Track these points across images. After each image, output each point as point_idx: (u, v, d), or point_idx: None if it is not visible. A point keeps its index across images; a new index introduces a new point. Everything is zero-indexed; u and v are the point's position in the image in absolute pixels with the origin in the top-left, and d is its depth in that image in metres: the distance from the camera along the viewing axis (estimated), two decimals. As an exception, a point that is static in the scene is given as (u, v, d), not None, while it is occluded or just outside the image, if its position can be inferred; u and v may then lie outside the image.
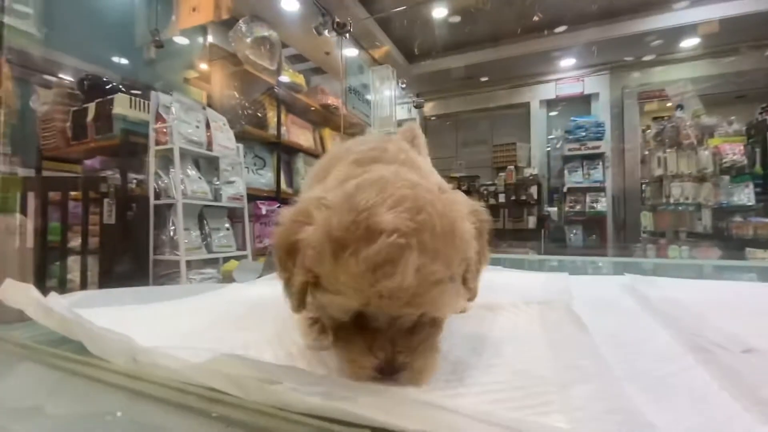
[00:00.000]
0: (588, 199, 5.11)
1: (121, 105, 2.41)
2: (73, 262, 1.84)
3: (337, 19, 3.53)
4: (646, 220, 3.70)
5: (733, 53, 4.34)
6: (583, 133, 5.23)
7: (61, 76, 3.12)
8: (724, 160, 3.14)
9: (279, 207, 3.08)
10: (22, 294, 0.36)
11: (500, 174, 4.88)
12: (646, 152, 3.76)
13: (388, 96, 4.13)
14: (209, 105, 3.14)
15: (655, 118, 3.61)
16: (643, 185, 3.95)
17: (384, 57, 4.71)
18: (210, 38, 3.65)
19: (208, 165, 2.76)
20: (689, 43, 4.50)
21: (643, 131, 3.86)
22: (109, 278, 1.83)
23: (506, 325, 0.40)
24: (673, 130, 3.31)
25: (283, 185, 3.67)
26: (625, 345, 0.35)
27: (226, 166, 2.86)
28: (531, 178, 4.73)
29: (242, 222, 2.82)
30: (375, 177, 0.29)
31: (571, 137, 5.21)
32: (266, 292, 0.33)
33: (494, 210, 4.65)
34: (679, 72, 4.65)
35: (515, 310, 0.44)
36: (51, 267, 1.77)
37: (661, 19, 4.20)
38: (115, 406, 0.27)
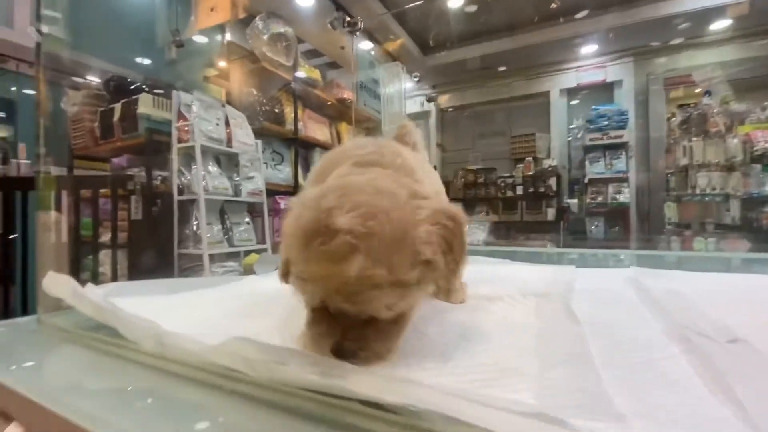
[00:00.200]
0: (610, 190, 4.98)
1: (145, 105, 2.49)
2: (104, 256, 1.94)
3: (347, 18, 3.53)
4: (671, 211, 3.59)
5: (765, 36, 4.11)
6: (605, 122, 5.08)
7: (88, 77, 3.25)
8: (755, 148, 3.01)
9: (297, 202, 3.12)
10: (62, 285, 0.40)
11: (518, 166, 4.81)
12: (671, 141, 3.63)
13: (397, 92, 4.15)
14: (228, 102, 3.20)
15: (680, 106, 3.47)
16: (668, 175, 3.82)
17: (398, 50, 4.69)
18: (228, 36, 3.71)
19: (228, 161, 2.82)
20: (719, 25, 4.29)
21: (668, 119, 3.72)
22: (137, 271, 1.92)
23: (501, 315, 0.43)
24: (699, 118, 3.19)
25: (301, 180, 3.74)
26: (614, 335, 0.37)
27: (246, 162, 2.91)
28: (550, 169, 4.64)
29: (261, 216, 2.89)
30: (344, 182, 0.32)
31: (592, 126, 5.07)
32: (281, 283, 0.36)
33: (512, 202, 4.59)
34: (707, 56, 4.45)
35: (512, 302, 0.46)
36: (84, 260, 1.87)
37: (689, 1, 4.02)
38: (144, 382, 0.31)
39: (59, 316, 0.43)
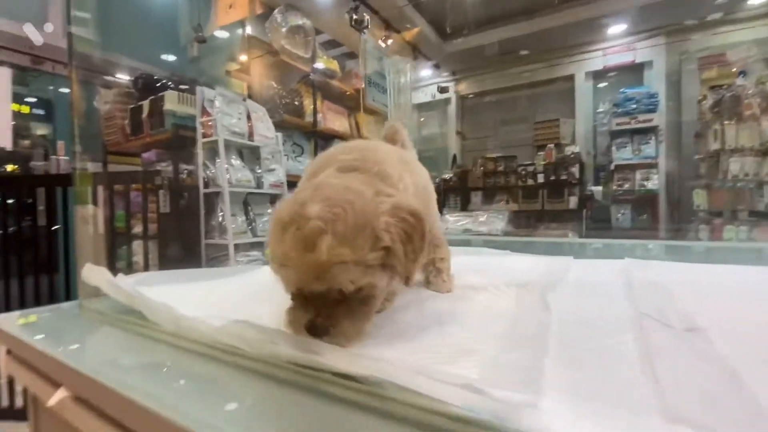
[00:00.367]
0: (638, 176, 4.80)
1: (170, 101, 2.59)
2: (137, 246, 2.07)
3: (355, 16, 3.53)
4: (699, 198, 3.44)
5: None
6: (634, 106, 4.88)
7: (118, 76, 3.40)
8: (793, 131, 2.84)
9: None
10: (98, 275, 0.47)
11: (539, 153, 4.70)
12: (702, 125, 3.46)
13: (404, 85, 4.19)
14: (250, 96, 3.28)
15: (712, 87, 3.29)
16: (698, 161, 3.65)
17: (416, 38, 4.63)
18: (249, 30, 3.78)
19: (250, 154, 2.90)
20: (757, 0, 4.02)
21: (699, 102, 3.54)
22: (167, 260, 2.04)
23: (483, 304, 0.46)
24: (732, 100, 3.02)
25: (320, 171, 3.78)
26: (579, 322, 0.40)
27: (267, 154, 2.98)
28: (572, 156, 4.51)
29: (283, 207, 2.96)
30: (319, 182, 0.37)
31: (619, 110, 4.88)
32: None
33: (532, 191, 4.49)
34: (742, 34, 4.18)
35: (496, 291, 0.50)
36: (119, 250, 2.00)
37: (726, -26, 3.78)
38: (165, 357, 0.37)
39: (98, 302, 0.50)
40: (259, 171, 2.82)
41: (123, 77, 3.37)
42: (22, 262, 1.82)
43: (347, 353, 0.29)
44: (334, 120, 4.35)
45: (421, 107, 6.39)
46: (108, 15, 2.94)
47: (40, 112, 4.22)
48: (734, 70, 3.44)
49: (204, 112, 2.61)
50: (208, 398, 0.30)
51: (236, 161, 2.73)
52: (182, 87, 2.82)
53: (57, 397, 0.34)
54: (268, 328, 0.33)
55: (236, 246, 2.43)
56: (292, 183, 3.18)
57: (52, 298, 1.89)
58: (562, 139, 5.07)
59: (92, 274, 0.47)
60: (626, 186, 4.74)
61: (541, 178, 4.41)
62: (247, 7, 2.55)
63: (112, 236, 1.93)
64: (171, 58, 3.66)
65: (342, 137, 4.42)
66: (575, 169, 4.33)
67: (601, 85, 5.54)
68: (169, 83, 2.90)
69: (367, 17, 3.68)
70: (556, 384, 0.26)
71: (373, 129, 5.33)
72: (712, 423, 0.21)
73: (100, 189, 2.01)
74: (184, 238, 2.30)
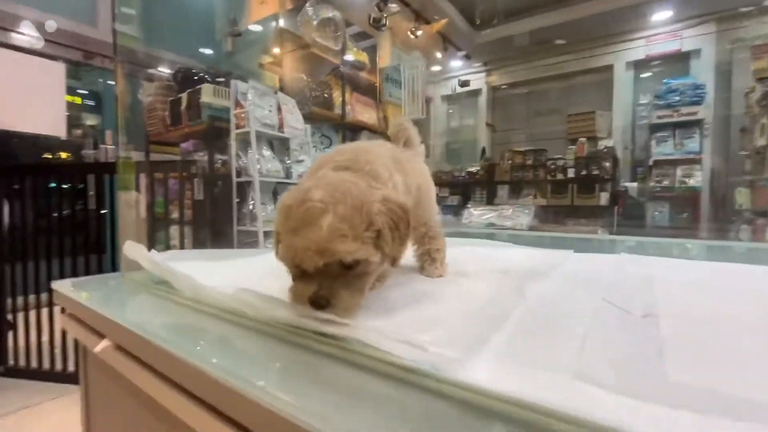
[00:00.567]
0: (679, 172, 4.56)
1: (207, 94, 2.73)
2: (174, 231, 2.23)
3: (374, 15, 3.55)
4: (742, 197, 3.24)
5: None
6: (677, 98, 4.61)
7: (160, 69, 3.60)
8: None
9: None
10: (136, 251, 0.56)
11: (570, 147, 4.55)
12: (749, 119, 3.25)
13: (417, 82, 4.31)
14: (281, 88, 3.38)
15: (760, 79, 3.06)
16: (744, 157, 3.43)
17: (445, 28, 4.58)
18: (282, 22, 3.88)
19: (280, 145, 3.01)
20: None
21: (746, 94, 3.31)
22: (201, 245, 2.19)
23: (464, 286, 0.50)
24: (785, 92, 2.82)
25: (347, 163, 3.85)
26: (546, 305, 0.43)
27: (296, 146, 3.08)
28: (605, 150, 4.35)
29: (310, 197, 3.07)
30: (319, 176, 0.43)
31: (661, 102, 4.63)
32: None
33: (562, 185, 4.37)
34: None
35: (481, 277, 0.54)
36: (158, 234, 2.16)
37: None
38: (188, 319, 0.45)
39: (136, 273, 0.58)
40: (288, 162, 2.92)
41: (164, 71, 3.56)
42: (75, 243, 2.01)
43: (334, 321, 0.35)
44: (363, 112, 4.40)
45: (451, 99, 6.32)
46: (151, 12, 3.12)
47: (91, 103, 4.53)
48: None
49: (237, 104, 2.73)
50: (220, 350, 0.37)
51: (267, 152, 2.84)
52: (218, 80, 2.96)
53: (101, 345, 0.42)
54: (267, 296, 0.40)
55: (266, 233, 2.55)
56: (319, 173, 3.29)
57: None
58: (598, 133, 4.88)
59: (131, 249, 0.56)
60: (665, 182, 4.52)
61: (571, 173, 4.28)
62: (278, 1, 2.64)
63: (153, 221, 2.09)
64: (208, 51, 3.84)
65: (370, 129, 4.47)
66: (608, 164, 4.18)
67: (643, 75, 5.27)
68: (206, 76, 3.05)
69: (385, 16, 3.70)
70: (496, 348, 0.31)
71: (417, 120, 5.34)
72: (618, 385, 0.25)
73: (143, 177, 2.18)
74: (217, 224, 2.45)
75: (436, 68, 5.88)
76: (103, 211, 2.38)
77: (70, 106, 4.13)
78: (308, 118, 3.38)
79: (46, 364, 1.90)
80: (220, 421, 0.30)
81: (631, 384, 0.25)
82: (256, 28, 3.72)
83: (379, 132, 4.55)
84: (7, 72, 2.08)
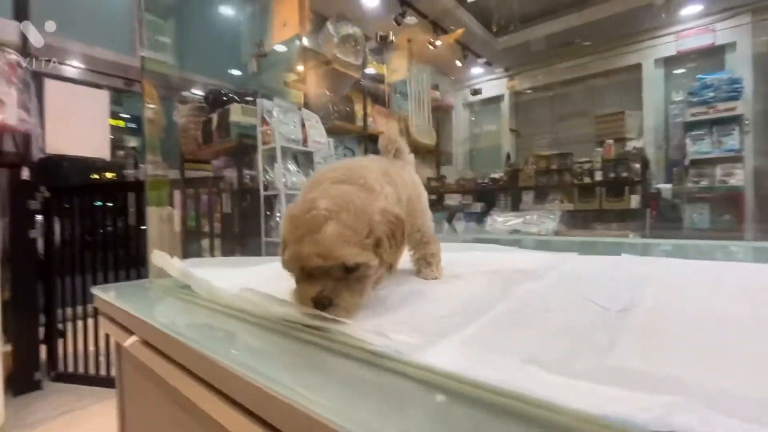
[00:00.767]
0: (719, 171, 4.32)
1: (235, 113, 2.89)
2: (206, 243, 2.36)
3: (381, 33, 3.66)
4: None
5: None
6: (712, 94, 4.40)
7: (193, 91, 3.83)
8: None
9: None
10: (163, 259, 0.63)
11: (596, 149, 4.43)
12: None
13: (423, 96, 4.47)
14: (306, 105, 3.51)
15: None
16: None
17: (463, 37, 4.61)
18: (305, 41, 4.04)
19: (304, 159, 3.12)
20: None
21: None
22: (230, 256, 2.30)
23: (454, 286, 0.53)
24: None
25: (369, 173, 3.93)
26: (527, 303, 0.45)
27: (319, 159, 3.18)
28: (634, 152, 4.20)
29: (333, 209, 3.16)
30: (323, 188, 0.47)
31: (695, 99, 4.43)
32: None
33: (589, 189, 4.24)
34: None
35: (472, 278, 0.56)
36: (191, 246, 2.29)
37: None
38: (204, 317, 0.50)
39: (162, 279, 0.65)
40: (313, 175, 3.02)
41: (197, 93, 3.78)
42: (117, 257, 2.17)
43: (315, 313, 0.39)
44: (384, 123, 4.48)
45: (473, 105, 6.32)
46: (184, 39, 3.34)
47: (133, 126, 4.87)
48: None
49: (264, 121, 2.87)
50: (230, 343, 0.42)
51: (292, 166, 2.96)
52: (246, 99, 3.11)
53: (130, 340, 0.49)
54: (265, 294, 0.45)
55: (291, 244, 2.63)
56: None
57: (140, 286, 2.22)
58: (628, 133, 4.72)
59: (159, 258, 0.63)
60: (704, 182, 4.30)
61: (598, 176, 4.15)
62: (299, 24, 2.77)
63: (186, 234, 2.22)
64: (236, 73, 4.05)
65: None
66: (637, 166, 4.03)
67: (675, 72, 5.08)
68: (235, 96, 3.22)
69: (392, 35, 3.82)
70: (465, 338, 0.34)
71: (424, 130, 5.39)
72: (558, 366, 0.28)
73: (176, 193, 2.33)
74: (246, 236, 2.57)
75: (453, 77, 5.90)
76: (143, 227, 2.55)
77: (114, 129, 4.46)
78: (331, 131, 3.48)
79: (92, 370, 2.05)
80: (229, 406, 0.34)
81: (570, 365, 0.28)
82: (281, 48, 3.90)
83: (400, 142, 4.60)
84: (59, 101, 2.29)
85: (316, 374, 0.32)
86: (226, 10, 4.12)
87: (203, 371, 0.38)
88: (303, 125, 3.09)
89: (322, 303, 0.41)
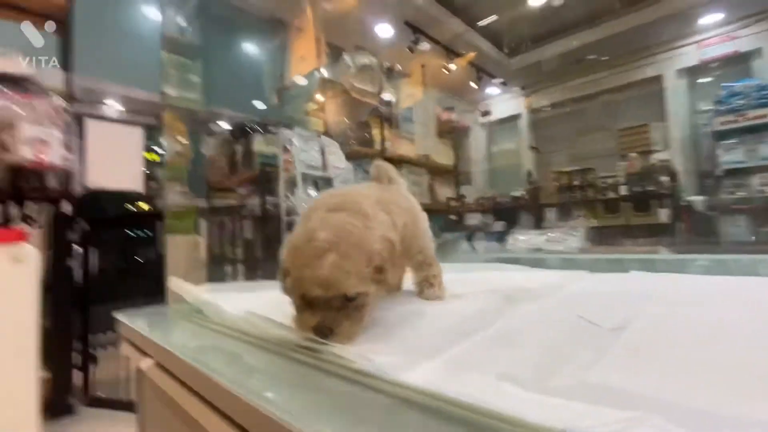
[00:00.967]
0: (756, 181, 4.12)
1: (259, 143, 3.02)
2: (230, 269, 2.43)
3: (387, 64, 3.81)
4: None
5: None
6: (741, 101, 4.25)
7: (219, 124, 4.03)
8: None
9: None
10: (178, 285, 0.67)
11: (619, 163, 4.32)
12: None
13: (429, 122, 4.61)
14: (326, 132, 3.63)
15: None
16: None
17: (476, 60, 4.69)
18: (324, 72, 4.21)
19: (324, 184, 3.20)
20: None
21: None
22: (253, 281, 2.37)
23: (451, 306, 0.54)
24: None
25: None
26: (526, 320, 0.46)
27: (339, 184, 3.26)
28: (660, 164, 4.07)
29: (353, 232, 3.21)
30: (322, 217, 0.49)
31: (723, 108, 4.29)
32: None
33: (614, 204, 4.12)
34: None
35: (472, 297, 0.57)
36: (216, 271, 2.37)
37: None
38: (214, 341, 0.53)
39: (179, 304, 0.69)
40: (331, 199, 3.09)
41: (224, 125, 3.98)
42: (147, 284, 2.27)
43: (309, 337, 0.42)
44: (402, 146, 4.55)
45: (492, 125, 6.34)
46: (210, 76, 3.55)
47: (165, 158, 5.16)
48: None
49: (285, 150, 2.98)
50: (236, 365, 0.45)
51: (312, 192, 3.04)
52: (269, 130, 3.25)
53: (146, 363, 0.52)
54: (267, 318, 0.47)
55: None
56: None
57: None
58: (653, 146, 4.60)
59: (176, 284, 0.67)
60: (740, 193, 4.10)
61: (623, 190, 4.03)
62: (315, 57, 2.91)
63: (211, 260, 2.30)
64: (260, 105, 4.26)
65: (410, 162, 4.59)
66: (664, 179, 3.89)
67: (699, 81, 4.95)
68: (258, 128, 3.37)
69: (398, 66, 3.97)
70: (448, 357, 0.35)
71: (441, 151, 5.43)
72: (534, 383, 0.28)
73: (202, 221, 2.44)
74: (268, 260, 2.64)
75: (469, 98, 5.96)
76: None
77: (147, 162, 4.74)
78: (350, 156, 3.56)
79: (123, 395, 2.11)
80: (228, 424, 0.36)
81: (546, 382, 0.28)
82: (301, 80, 4.08)
83: (419, 164, 4.66)
84: (97, 139, 2.47)
85: (305, 391, 0.34)
86: (249, 48, 4.38)
87: (208, 392, 0.40)
88: (323, 152, 3.18)
89: (323, 332, 0.43)
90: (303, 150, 3.01)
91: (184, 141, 3.07)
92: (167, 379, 0.48)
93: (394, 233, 0.51)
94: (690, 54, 4.84)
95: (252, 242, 2.54)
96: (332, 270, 0.42)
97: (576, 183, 4.35)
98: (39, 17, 2.24)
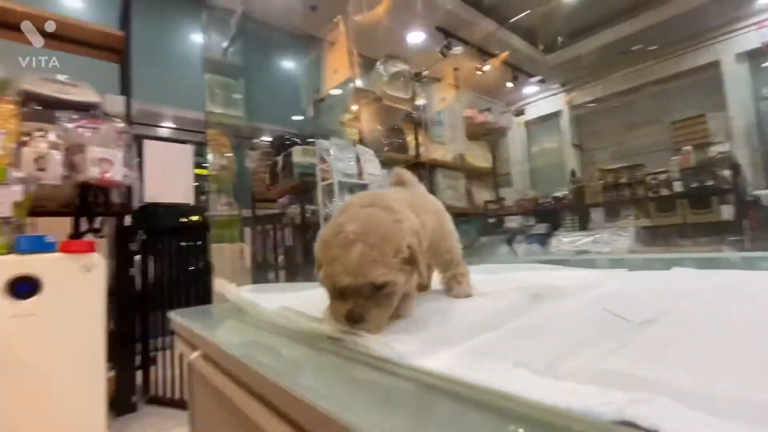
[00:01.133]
0: (837, 170, 3.71)
1: (297, 155, 3.14)
2: (272, 275, 2.54)
3: (414, 71, 3.82)
4: None
5: None
6: (812, 84, 3.87)
7: (261, 138, 4.24)
8: None
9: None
10: (222, 285, 0.72)
11: (672, 158, 4.02)
12: None
13: (457, 125, 4.63)
14: (361, 140, 3.71)
15: None
16: None
17: (511, 58, 4.60)
18: (358, 83, 4.32)
19: (360, 191, 3.26)
20: None
21: None
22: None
23: (477, 303, 0.54)
24: None
25: (424, 201, 3.99)
26: (552, 315, 0.45)
27: (375, 190, 3.31)
28: (720, 157, 3.75)
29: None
30: (350, 213, 0.51)
31: (790, 93, 3.92)
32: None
33: (668, 202, 3.83)
34: None
35: (500, 295, 0.57)
36: (259, 277, 2.48)
37: None
38: (254, 336, 0.57)
39: (224, 304, 0.75)
40: (368, 206, 3.15)
41: (264, 139, 4.19)
42: (198, 290, 2.42)
43: (336, 327, 0.44)
44: (436, 150, 4.53)
45: (531, 124, 6.17)
46: (251, 94, 3.75)
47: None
48: None
49: (322, 159, 3.08)
50: (272, 355, 0.48)
51: (349, 198, 3.10)
52: (307, 141, 3.38)
53: (194, 354, 0.57)
54: (299, 312, 0.50)
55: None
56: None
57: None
58: (712, 137, 4.25)
59: (221, 285, 0.73)
60: (817, 185, 3.69)
61: (678, 187, 3.76)
62: (348, 70, 2.99)
63: (255, 266, 2.42)
64: (297, 118, 4.44)
65: (444, 166, 4.56)
66: (726, 172, 3.59)
67: (763, 65, 4.54)
68: (296, 140, 3.50)
69: (425, 71, 3.97)
70: (469, 347, 0.36)
71: (478, 154, 5.34)
72: (546, 369, 0.29)
73: (247, 230, 2.57)
74: (306, 266, 2.73)
75: (505, 99, 5.84)
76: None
77: (198, 177, 5.08)
78: (386, 163, 3.60)
79: (178, 395, 2.26)
80: (272, 414, 0.39)
81: (559, 368, 0.29)
82: (336, 91, 4.21)
83: (454, 168, 4.62)
84: (153, 157, 2.69)
85: (333, 378, 0.37)
86: (286, 64, 4.58)
87: (248, 379, 0.44)
88: (358, 160, 3.25)
89: (353, 319, 0.45)
90: (339, 159, 3.09)
91: (229, 155, 3.26)
92: (212, 370, 0.53)
93: (424, 233, 0.52)
94: (749, 37, 4.46)
95: (292, 249, 2.63)
96: (360, 259, 0.44)
97: (623, 181, 4.11)
98: (101, 50, 2.49)
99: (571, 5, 4.15)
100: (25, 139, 1.83)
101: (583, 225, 4.27)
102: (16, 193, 1.64)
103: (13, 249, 1.58)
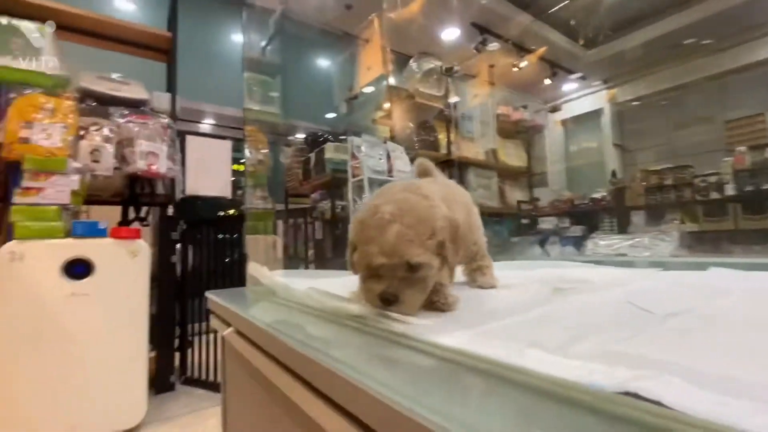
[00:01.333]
0: None
1: (329, 151, 3.20)
2: (302, 266, 2.61)
3: (444, 66, 3.75)
4: None
5: None
6: None
7: (296, 135, 4.35)
8: None
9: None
10: (257, 269, 0.76)
11: (724, 159, 3.75)
12: None
13: (489, 121, 4.55)
14: (392, 138, 3.73)
15: None
16: None
17: (549, 54, 4.45)
18: (392, 80, 4.34)
19: (389, 187, 3.28)
20: None
21: None
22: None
23: (500, 294, 0.55)
24: None
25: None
26: (573, 307, 0.45)
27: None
28: (780, 157, 3.46)
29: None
30: (388, 195, 0.52)
31: None
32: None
33: (718, 206, 3.58)
34: None
35: (521, 288, 0.57)
36: (290, 268, 2.55)
37: None
38: (283, 315, 0.61)
39: (257, 287, 0.79)
40: (397, 202, 3.18)
41: (299, 136, 4.29)
42: (233, 279, 2.53)
43: (361, 305, 0.46)
44: (468, 148, 4.48)
45: (570, 122, 5.96)
46: (287, 92, 3.85)
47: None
48: None
49: (353, 156, 3.12)
50: (301, 333, 0.51)
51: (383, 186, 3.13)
52: (340, 138, 3.44)
53: (228, 330, 0.61)
54: (325, 292, 0.53)
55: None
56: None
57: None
58: (772, 137, 3.93)
59: (254, 269, 0.77)
60: None
61: (730, 190, 3.51)
62: (382, 66, 3.02)
63: (287, 258, 2.49)
64: (331, 115, 4.52)
65: (476, 165, 4.50)
66: (785, 174, 3.31)
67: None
68: (329, 137, 3.57)
69: (457, 67, 3.92)
70: (487, 329, 0.37)
71: (512, 152, 5.23)
72: (561, 350, 0.29)
73: (279, 223, 2.65)
74: (335, 259, 2.79)
75: (543, 96, 5.66)
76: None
77: (235, 172, 5.29)
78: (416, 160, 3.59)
79: (212, 377, 2.38)
80: (299, 383, 0.42)
81: (572, 349, 0.29)
82: (368, 89, 4.25)
83: (486, 167, 4.55)
84: (195, 152, 2.83)
85: (357, 351, 0.39)
86: (321, 62, 4.67)
87: (277, 352, 0.47)
88: (389, 157, 3.27)
89: (387, 299, 0.45)
90: (370, 156, 3.12)
91: (265, 151, 3.37)
92: (244, 344, 0.57)
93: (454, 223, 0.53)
94: (819, 26, 4.09)
95: (322, 242, 2.70)
96: (396, 238, 0.45)
97: (668, 182, 3.88)
98: (149, 50, 2.65)
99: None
100: (82, 132, 1.98)
101: (622, 228, 4.08)
102: (74, 182, 1.78)
103: (70, 233, 1.72)
